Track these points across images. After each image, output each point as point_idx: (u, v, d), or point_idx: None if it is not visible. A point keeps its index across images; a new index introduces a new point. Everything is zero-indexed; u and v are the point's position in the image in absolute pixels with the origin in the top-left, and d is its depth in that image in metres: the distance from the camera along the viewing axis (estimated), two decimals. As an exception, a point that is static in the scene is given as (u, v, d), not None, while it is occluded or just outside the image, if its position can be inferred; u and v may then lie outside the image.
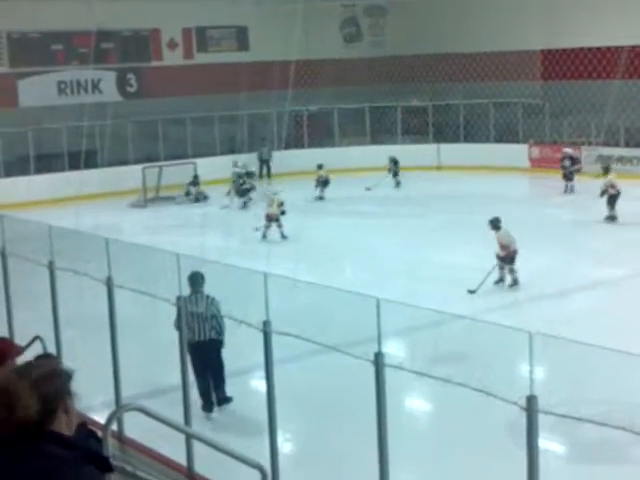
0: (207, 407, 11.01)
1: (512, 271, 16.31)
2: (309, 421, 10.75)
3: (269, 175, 32.76)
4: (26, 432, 2.86)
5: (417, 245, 20.12)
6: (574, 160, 27.06)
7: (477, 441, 9.66)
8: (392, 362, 7.19)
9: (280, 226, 21.36)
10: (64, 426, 2.95)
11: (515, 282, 16.27)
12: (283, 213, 21.53)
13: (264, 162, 32.86)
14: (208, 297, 10.97)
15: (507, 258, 16.32)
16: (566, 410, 6.19)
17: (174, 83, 33.58)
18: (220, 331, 10.99)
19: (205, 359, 11.13)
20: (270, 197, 22.13)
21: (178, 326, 10.99)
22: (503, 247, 16.33)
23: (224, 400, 11.10)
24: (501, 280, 16.37)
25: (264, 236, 21.33)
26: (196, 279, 11.03)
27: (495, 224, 16.67)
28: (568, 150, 27.83)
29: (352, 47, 38.07)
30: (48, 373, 2.98)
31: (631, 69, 29.76)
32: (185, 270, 9.24)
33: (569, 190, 26.54)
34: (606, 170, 22.61)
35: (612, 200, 21.53)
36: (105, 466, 2.96)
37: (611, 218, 21.37)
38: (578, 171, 26.69)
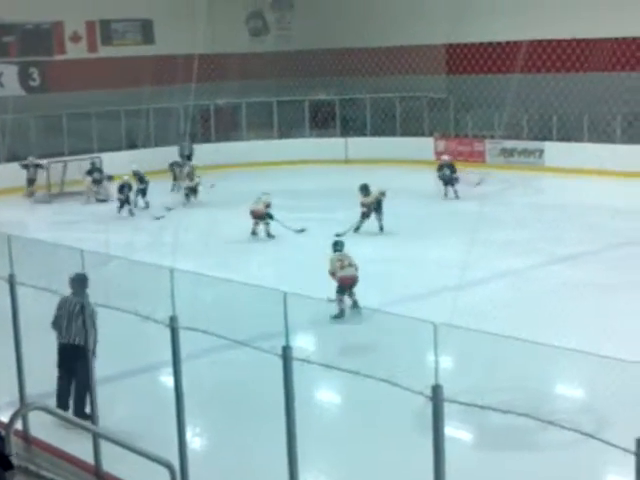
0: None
1: (340, 302, 14.38)
2: (218, 417, 10.70)
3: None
4: None
5: (322, 239, 20.21)
6: (453, 168, 25.83)
7: (385, 432, 9.75)
8: (300, 355, 7.22)
9: (267, 224, 21.16)
10: None
11: (355, 305, 14.43)
12: (269, 216, 21.21)
13: (185, 157, 31.85)
14: (82, 302, 10.25)
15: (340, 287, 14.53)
16: (471, 398, 6.29)
17: (78, 77, 33.07)
18: (86, 337, 10.30)
19: (68, 363, 10.75)
20: (258, 196, 21.82)
21: (55, 326, 10.79)
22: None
23: (82, 412, 10.13)
24: (342, 315, 14.26)
25: (254, 233, 21.17)
26: (76, 281, 10.67)
27: (335, 248, 15.20)
28: (446, 157, 26.97)
29: (258, 41, 38.00)
30: None
31: (529, 63, 30.37)
32: (90, 266, 9.11)
33: (452, 195, 25.41)
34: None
35: None
36: (5, 464, 2.90)
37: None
38: (456, 180, 25.50)
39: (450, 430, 6.52)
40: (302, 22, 37.19)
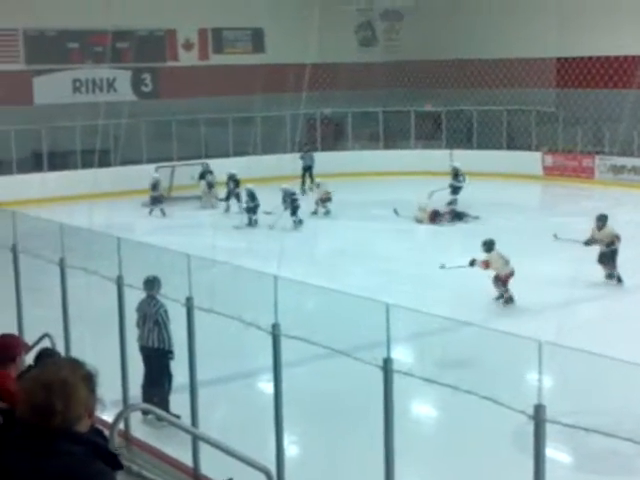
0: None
1: (507, 292, 15.96)
2: (316, 425, 10.73)
3: (312, 182, 31.59)
4: (52, 430, 2.86)
5: (428, 251, 20.12)
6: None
7: (484, 449, 9.63)
8: (401, 368, 7.19)
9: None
10: (84, 427, 2.95)
11: (510, 300, 15.92)
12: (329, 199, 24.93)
13: (307, 169, 32.10)
14: (158, 302, 10.69)
15: (500, 281, 16.05)
16: (574, 420, 6.17)
17: (189, 84, 33.65)
18: (162, 340, 10.72)
19: (152, 365, 10.95)
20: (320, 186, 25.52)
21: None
22: (490, 266, 16.02)
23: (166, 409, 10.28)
24: (501, 296, 16.05)
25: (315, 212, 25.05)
26: (149, 283, 10.84)
27: (488, 246, 16.28)
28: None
29: (367, 51, 38.07)
30: (90, 374, 2.98)
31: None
32: (195, 271, 9.23)
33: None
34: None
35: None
36: (114, 463, 2.96)
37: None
38: None
39: (549, 451, 6.40)
40: (410, 33, 37.09)
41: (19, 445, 2.85)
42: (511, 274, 15.91)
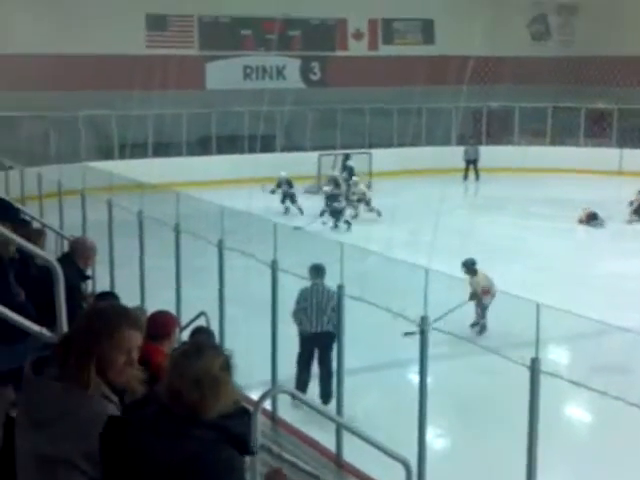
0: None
1: (482, 317, 14.20)
2: (461, 421, 10.67)
3: (477, 177, 31.71)
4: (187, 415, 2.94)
5: (588, 251, 19.62)
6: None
7: (632, 458, 9.35)
8: (549, 369, 7.07)
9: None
10: (220, 408, 3.03)
11: (483, 329, 14.00)
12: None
13: (470, 162, 31.82)
14: (329, 290, 10.82)
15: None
16: None
17: (357, 73, 33.83)
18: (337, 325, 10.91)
19: (317, 351, 11.14)
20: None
21: (295, 318, 11.18)
22: (485, 292, 14.09)
23: (329, 395, 10.70)
24: (477, 324, 14.19)
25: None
26: (316, 270, 11.11)
27: (469, 267, 14.59)
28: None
29: (539, 45, 37.33)
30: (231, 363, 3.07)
31: None
32: (349, 260, 9.32)
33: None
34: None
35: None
36: (243, 448, 3.00)
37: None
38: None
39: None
40: (585, 28, 36.13)
41: (153, 425, 2.95)
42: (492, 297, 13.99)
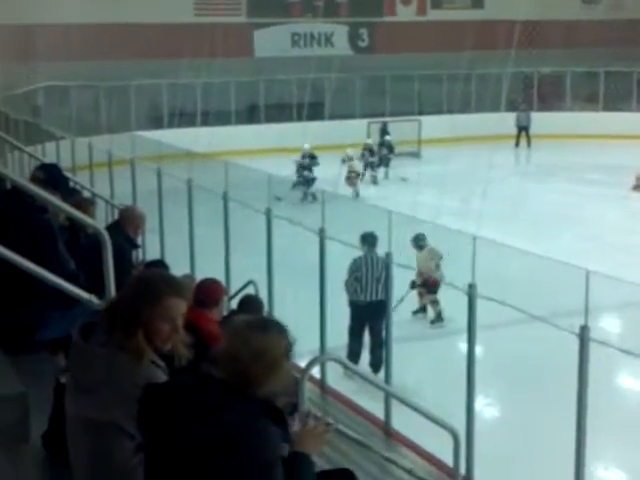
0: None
1: (434, 303, 13.06)
2: (508, 390, 10.64)
3: (529, 144, 31.41)
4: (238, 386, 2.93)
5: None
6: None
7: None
8: (599, 337, 7.00)
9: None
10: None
11: (438, 318, 13.00)
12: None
13: (522, 129, 31.57)
14: (382, 259, 10.57)
15: (427, 286, 12.93)
16: None
17: (405, 39, 33.55)
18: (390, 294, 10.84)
19: (369, 320, 11.13)
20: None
21: (348, 287, 11.15)
22: (421, 272, 12.55)
23: (379, 365, 10.66)
24: (422, 310, 13.40)
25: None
26: (369, 239, 11.05)
27: (417, 242, 13.05)
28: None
29: (589, 8, 36.70)
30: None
31: None
32: (397, 227, 9.28)
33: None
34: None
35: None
36: (279, 419, 2.97)
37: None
38: None
39: None
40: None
41: (196, 395, 2.96)
42: (441, 280, 12.33)
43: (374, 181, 24.96)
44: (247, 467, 2.83)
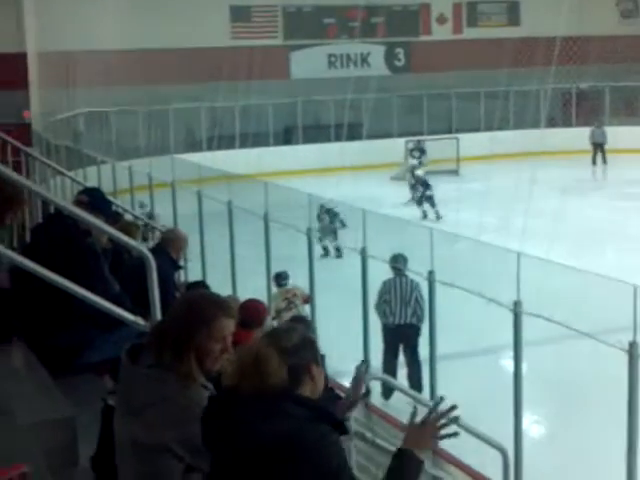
0: (387, 393, 10.29)
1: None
2: (556, 407, 10.49)
3: (604, 161, 30.96)
4: (272, 393, 2.91)
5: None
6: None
7: None
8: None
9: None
10: (308, 392, 2.99)
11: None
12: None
13: (598, 146, 31.16)
14: (412, 281, 10.69)
15: None
16: None
17: (441, 58, 33.47)
18: (421, 317, 10.72)
19: (402, 343, 10.98)
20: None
21: (379, 310, 11.03)
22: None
23: (420, 387, 10.57)
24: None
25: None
26: (398, 261, 10.88)
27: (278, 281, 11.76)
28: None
29: (628, 23, 36.45)
30: (298, 343, 3.01)
31: None
32: (438, 245, 9.22)
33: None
34: None
35: None
36: (339, 427, 2.96)
37: None
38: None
39: None
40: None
41: (248, 405, 2.93)
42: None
43: (424, 216, 23.21)
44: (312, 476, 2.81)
